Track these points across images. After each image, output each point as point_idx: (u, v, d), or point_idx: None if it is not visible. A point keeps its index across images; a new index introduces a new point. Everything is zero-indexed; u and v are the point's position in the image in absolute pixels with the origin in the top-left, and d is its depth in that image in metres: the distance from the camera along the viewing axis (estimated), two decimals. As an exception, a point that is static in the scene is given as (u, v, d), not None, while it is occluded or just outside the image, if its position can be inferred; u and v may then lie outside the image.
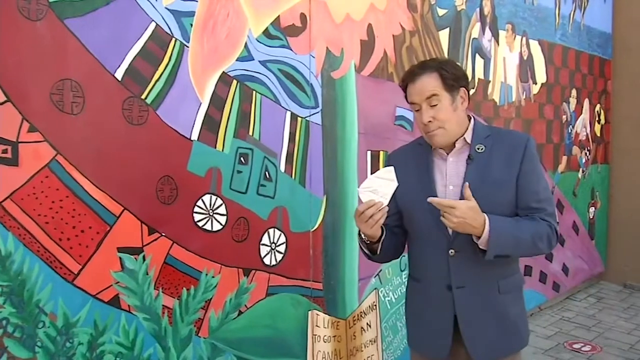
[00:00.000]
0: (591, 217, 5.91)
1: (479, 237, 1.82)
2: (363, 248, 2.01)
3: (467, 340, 1.94)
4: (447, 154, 1.98)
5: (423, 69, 1.92)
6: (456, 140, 1.95)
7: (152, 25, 2.30)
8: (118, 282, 2.24)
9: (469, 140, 1.96)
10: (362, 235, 1.95)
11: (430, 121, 1.89)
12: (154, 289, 2.36)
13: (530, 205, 1.90)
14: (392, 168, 1.83)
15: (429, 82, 1.89)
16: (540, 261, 5.01)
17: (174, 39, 2.38)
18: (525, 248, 1.89)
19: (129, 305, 2.28)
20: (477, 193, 1.83)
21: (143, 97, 2.28)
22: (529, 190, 1.90)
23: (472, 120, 2.01)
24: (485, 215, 1.81)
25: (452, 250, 1.92)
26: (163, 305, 2.40)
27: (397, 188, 1.82)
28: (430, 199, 1.82)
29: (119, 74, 2.20)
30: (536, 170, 1.94)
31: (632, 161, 6.00)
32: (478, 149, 1.94)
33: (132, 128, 2.26)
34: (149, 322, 2.34)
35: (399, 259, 2.20)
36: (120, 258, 2.24)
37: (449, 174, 1.95)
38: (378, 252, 1.98)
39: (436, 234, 1.95)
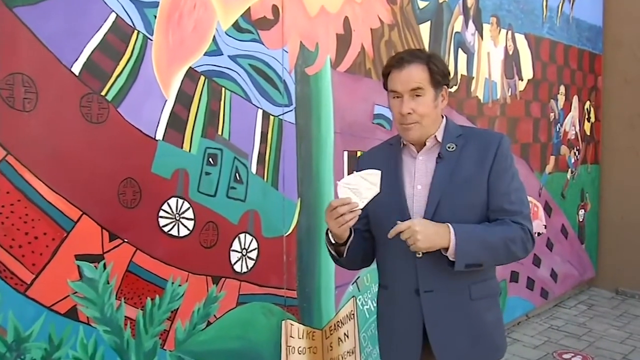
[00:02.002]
0: (581, 219, 5.99)
1: (447, 250, 1.84)
2: (329, 249, 2.03)
3: (436, 348, 1.96)
4: (417, 152, 2.01)
5: (413, 58, 1.94)
6: (427, 139, 1.98)
7: (112, 16, 2.28)
8: (76, 292, 2.22)
9: (440, 139, 1.99)
10: (329, 235, 1.96)
11: (409, 113, 1.91)
12: (116, 299, 2.34)
13: (503, 206, 1.92)
14: (379, 172, 1.85)
15: (417, 74, 1.91)
16: (527, 267, 5.06)
17: (136, 32, 2.36)
18: (498, 254, 1.90)
19: (87, 317, 2.25)
20: (446, 193, 1.88)
21: (103, 93, 2.27)
22: (500, 192, 1.93)
23: (445, 118, 2.05)
24: (448, 224, 1.84)
25: (420, 252, 1.92)
26: (125, 316, 2.37)
27: (376, 195, 1.84)
28: (390, 234, 1.84)
29: (76, 69, 2.18)
30: (509, 170, 1.96)
31: (623, 161, 6.09)
32: (449, 147, 1.97)
33: (91, 126, 2.24)
34: (110, 334, 2.32)
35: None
36: (78, 266, 2.22)
37: (418, 173, 1.99)
38: (344, 255, 1.99)
39: None
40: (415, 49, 2.04)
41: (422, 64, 1.92)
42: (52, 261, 2.14)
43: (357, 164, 2.18)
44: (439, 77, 1.93)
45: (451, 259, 1.84)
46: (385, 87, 2.02)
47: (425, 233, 1.79)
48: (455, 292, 1.96)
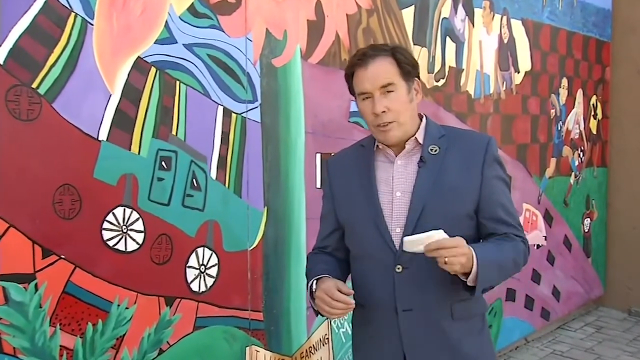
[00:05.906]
0: (586, 230, 6.03)
1: (466, 274, 1.84)
2: (313, 306, 2.06)
3: None
4: (396, 156, 2.02)
5: (376, 52, 1.97)
6: (407, 141, 2.00)
7: (44, -5, 2.27)
8: (0, 318, 2.18)
9: (420, 141, 2.02)
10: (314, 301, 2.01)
11: (384, 111, 1.93)
12: (49, 325, 2.31)
13: (500, 217, 1.98)
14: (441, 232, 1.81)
15: (385, 68, 1.95)
16: (525, 283, 5.09)
17: (73, 14, 2.34)
18: (507, 274, 2.00)
19: (14, 348, 2.21)
20: (430, 201, 1.91)
21: (34, 86, 2.24)
22: (496, 201, 1.98)
23: (424, 118, 2.08)
24: (469, 247, 1.83)
25: (399, 267, 1.95)
26: (61, 345, 2.34)
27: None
28: (427, 252, 1.77)
29: (0, 56, 2.14)
30: (501, 176, 2.01)
31: (634, 163, 6.14)
32: (431, 150, 1.99)
33: (20, 124, 2.21)
34: (42, 367, 2.29)
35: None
36: (3, 288, 2.18)
37: (397, 179, 2.00)
38: None
39: (381, 249, 1.98)
40: (377, 44, 2.10)
41: (388, 57, 1.96)
42: (-29, 282, 2.11)
43: (325, 169, 2.22)
44: (409, 67, 1.97)
45: (469, 284, 1.85)
46: (351, 91, 2.05)
47: (465, 255, 1.78)
48: (437, 311, 1.97)
